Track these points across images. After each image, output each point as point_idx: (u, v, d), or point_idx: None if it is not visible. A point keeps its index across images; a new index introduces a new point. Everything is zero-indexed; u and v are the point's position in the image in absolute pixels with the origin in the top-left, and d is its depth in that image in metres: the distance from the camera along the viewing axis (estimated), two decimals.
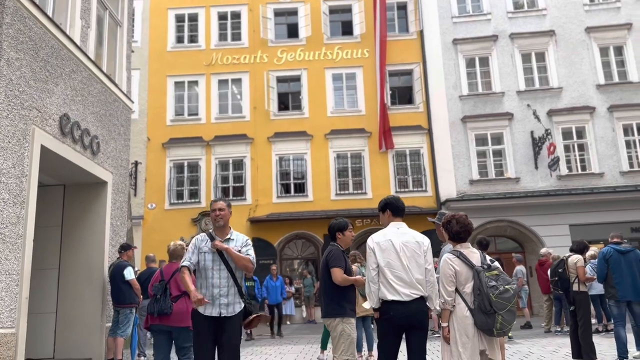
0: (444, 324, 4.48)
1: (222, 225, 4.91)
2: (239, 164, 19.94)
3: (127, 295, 8.54)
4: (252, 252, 4.89)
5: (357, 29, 20.86)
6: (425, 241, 4.72)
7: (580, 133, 19.44)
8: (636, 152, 19.19)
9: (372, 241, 4.77)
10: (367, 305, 4.82)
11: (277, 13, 21.27)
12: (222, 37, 21.14)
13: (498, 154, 19.66)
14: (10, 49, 6.64)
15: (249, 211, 19.37)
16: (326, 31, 20.88)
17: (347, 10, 21.28)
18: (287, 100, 21.00)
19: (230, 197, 19.70)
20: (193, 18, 21.29)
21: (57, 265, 8.81)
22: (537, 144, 19.02)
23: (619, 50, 19.96)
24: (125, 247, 8.90)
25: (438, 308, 4.69)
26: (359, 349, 8.82)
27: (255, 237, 18.88)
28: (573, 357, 7.95)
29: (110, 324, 8.84)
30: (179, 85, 20.68)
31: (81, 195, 9.05)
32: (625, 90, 19.43)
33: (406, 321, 4.51)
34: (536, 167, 19.08)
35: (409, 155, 19.75)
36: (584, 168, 19.26)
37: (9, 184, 6.52)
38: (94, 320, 8.75)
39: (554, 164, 18.28)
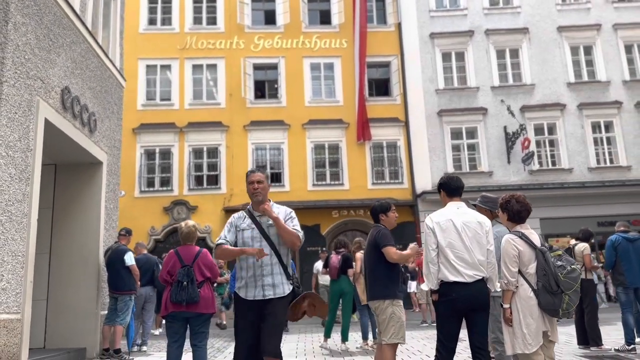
0: (506, 306, 4.40)
1: (261, 200, 4.39)
2: (213, 152, 19.44)
3: (127, 282, 8.15)
4: (298, 226, 4.39)
5: (336, 19, 20.67)
6: (487, 222, 4.61)
7: (551, 129, 19.96)
8: (603, 149, 19.86)
9: (431, 221, 4.62)
10: (424, 287, 4.67)
11: None
12: (197, 20, 20.52)
13: (472, 147, 19.95)
14: (17, 12, 6.13)
15: (223, 200, 18.94)
16: (304, 19, 20.60)
17: None
18: (264, 88, 20.62)
19: (205, 185, 19.23)
20: (166, 0, 20.58)
21: (47, 250, 8.26)
22: (510, 138, 19.39)
23: (588, 50, 20.57)
24: (129, 232, 8.48)
25: (498, 289, 4.61)
26: (365, 336, 8.73)
27: None
28: (579, 344, 8.09)
29: (105, 312, 8.39)
30: (150, 68, 19.95)
31: (75, 175, 8.51)
32: (594, 89, 20.06)
33: (469, 303, 4.38)
34: (509, 162, 19.46)
35: (386, 147, 19.76)
36: (554, 163, 19.79)
37: (16, 158, 6.03)
38: (88, 307, 8.25)
39: (528, 158, 18.69)
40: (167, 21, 20.49)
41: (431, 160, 19.53)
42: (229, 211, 18.65)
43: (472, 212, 4.67)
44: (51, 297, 8.19)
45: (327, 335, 8.86)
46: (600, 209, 18.85)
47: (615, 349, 7.62)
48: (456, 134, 19.94)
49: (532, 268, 4.35)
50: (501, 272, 4.44)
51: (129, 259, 8.14)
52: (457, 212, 4.61)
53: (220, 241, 4.32)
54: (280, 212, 4.39)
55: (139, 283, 8.51)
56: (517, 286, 4.35)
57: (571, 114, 19.87)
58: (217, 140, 19.43)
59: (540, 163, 19.71)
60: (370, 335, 8.74)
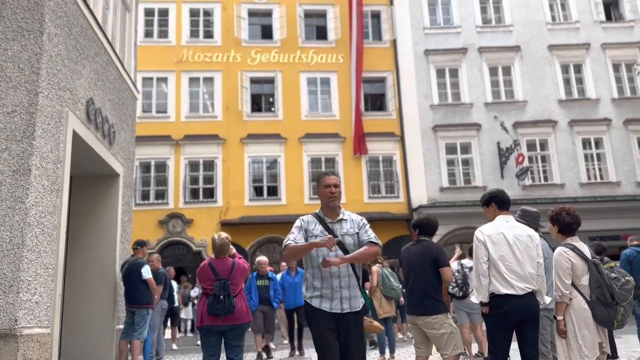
0: (560, 318, 4.46)
1: (337, 206, 4.07)
2: (209, 165, 19.36)
3: (145, 295, 8.04)
4: (372, 232, 4.07)
5: (332, 34, 20.88)
6: (536, 235, 4.69)
7: (543, 145, 20.33)
8: (593, 165, 20.27)
9: (482, 234, 4.68)
10: (474, 299, 4.72)
11: (252, 13, 20.94)
12: (194, 33, 20.54)
13: (466, 162, 20.19)
14: (50, 22, 6.09)
15: (219, 214, 18.83)
16: (301, 34, 20.76)
17: (322, 15, 21.28)
18: (261, 102, 20.67)
19: (201, 198, 19.11)
20: (163, 13, 20.57)
21: (63, 262, 8.10)
22: (503, 154, 19.69)
23: (578, 68, 21.08)
24: (142, 244, 8.38)
25: (547, 302, 4.67)
26: (382, 351, 8.71)
27: None
28: None
29: (121, 326, 8.26)
30: (147, 81, 19.87)
31: (91, 188, 8.41)
32: (584, 106, 20.53)
33: (521, 315, 4.44)
34: (502, 177, 19.72)
35: (382, 162, 19.92)
36: (546, 179, 20.13)
37: (48, 169, 5.96)
38: (104, 321, 8.12)
39: (522, 173, 18.98)
40: (163, 34, 20.47)
41: (426, 174, 19.71)
42: (225, 225, 18.56)
43: (522, 226, 4.75)
44: (66, 311, 8.01)
45: (383, 351, 8.76)
46: (592, 223, 19.04)
47: None
48: (451, 149, 20.18)
49: (585, 280, 4.42)
50: (555, 284, 4.50)
51: (146, 272, 8.04)
52: (507, 226, 4.68)
53: (289, 242, 3.93)
54: (354, 221, 4.11)
55: (156, 296, 8.41)
56: (571, 298, 4.42)
57: (562, 130, 20.28)
58: (214, 153, 19.37)
59: (533, 178, 20.04)
60: (387, 350, 8.72)
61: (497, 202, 4.86)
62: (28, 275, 5.45)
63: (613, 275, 4.36)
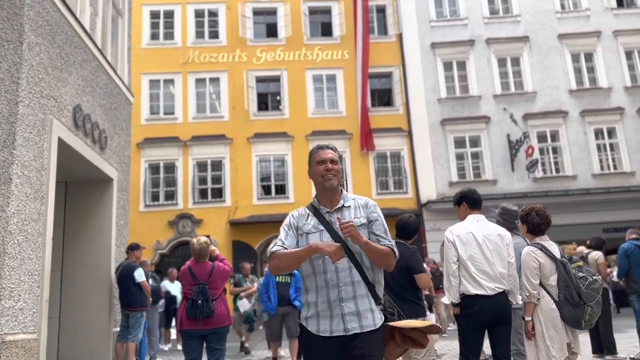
0: (528, 318, 4.40)
1: (334, 188, 3.02)
2: (217, 165, 19.47)
3: (138, 298, 8.15)
4: (386, 231, 2.99)
5: (337, 30, 20.80)
6: (507, 234, 4.63)
7: (554, 136, 20.01)
8: (606, 155, 19.89)
9: (451, 234, 4.64)
10: (445, 300, 4.67)
11: (256, 12, 20.95)
12: (199, 34, 20.64)
13: (475, 156, 19.97)
14: (31, 32, 6.17)
15: (228, 213, 18.93)
16: (306, 31, 20.73)
17: (327, 11, 21.20)
18: (267, 101, 20.71)
19: (209, 198, 19.23)
20: (168, 15, 20.70)
21: (59, 267, 8.24)
22: (513, 146, 19.42)
23: (589, 57, 20.68)
24: (134, 247, 8.47)
25: (519, 302, 4.61)
26: None
27: (235, 240, 18.53)
28: (593, 353, 8.07)
29: (117, 329, 8.38)
30: (153, 83, 20.04)
31: (85, 193, 8.53)
32: (596, 96, 20.14)
33: (492, 316, 4.38)
34: (512, 170, 19.48)
35: (390, 157, 19.82)
36: (558, 170, 19.82)
37: (31, 177, 6.04)
38: (100, 325, 8.23)
39: (532, 165, 18.71)
40: (169, 36, 20.59)
41: (435, 169, 19.55)
42: (234, 224, 18.67)
43: (493, 225, 4.69)
44: (63, 315, 8.17)
45: None
46: (605, 215, 18.83)
47: (630, 357, 7.59)
48: (459, 143, 19.98)
49: (553, 280, 4.36)
50: (522, 284, 4.44)
51: (139, 275, 8.13)
52: (477, 225, 4.62)
53: (275, 249, 2.95)
54: (360, 207, 3.03)
55: (150, 299, 8.51)
56: (539, 298, 4.36)
57: (573, 120, 19.92)
58: (221, 153, 19.47)
59: (544, 170, 19.75)
60: None
61: (467, 201, 4.80)
62: (10, 283, 5.54)
63: (580, 274, 4.28)
